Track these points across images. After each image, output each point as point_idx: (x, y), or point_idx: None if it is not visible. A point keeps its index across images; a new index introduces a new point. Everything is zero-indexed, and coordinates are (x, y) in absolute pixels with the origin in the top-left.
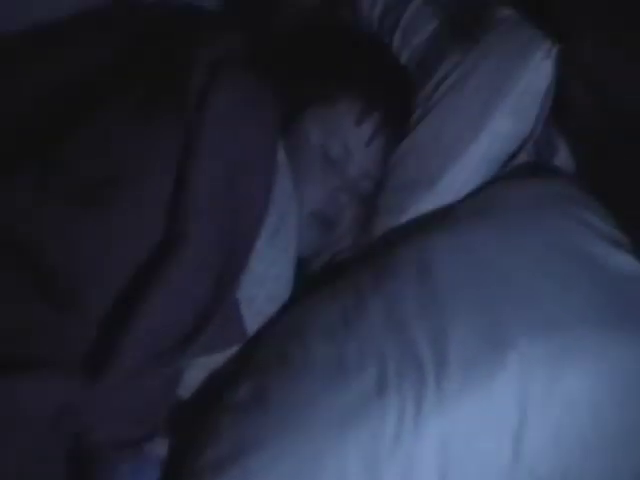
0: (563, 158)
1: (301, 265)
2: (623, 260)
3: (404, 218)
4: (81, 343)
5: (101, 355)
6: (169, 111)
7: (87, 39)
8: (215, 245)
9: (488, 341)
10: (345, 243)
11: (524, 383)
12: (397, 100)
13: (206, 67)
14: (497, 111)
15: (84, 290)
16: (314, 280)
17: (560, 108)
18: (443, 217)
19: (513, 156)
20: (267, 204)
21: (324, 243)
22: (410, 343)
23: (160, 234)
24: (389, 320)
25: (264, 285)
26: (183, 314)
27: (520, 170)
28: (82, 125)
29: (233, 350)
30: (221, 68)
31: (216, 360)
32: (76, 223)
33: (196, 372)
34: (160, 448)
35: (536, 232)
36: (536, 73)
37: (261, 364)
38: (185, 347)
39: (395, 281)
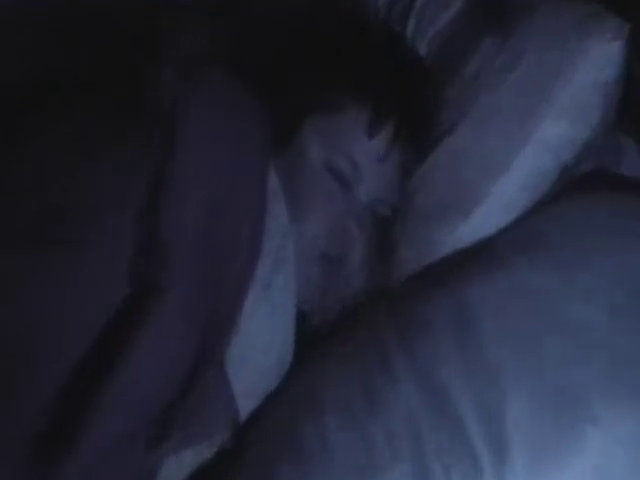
0: (633, 165)
1: (302, 318)
2: None
3: (432, 255)
4: (33, 425)
5: (57, 441)
6: (132, 130)
7: (24, 38)
8: (196, 298)
9: (557, 415)
10: (356, 288)
11: (605, 468)
12: (416, 105)
13: (173, 73)
14: (548, 113)
15: (33, 361)
16: (320, 339)
17: (627, 103)
18: (484, 252)
19: (570, 167)
20: (258, 242)
21: (330, 289)
22: (455, 421)
23: (127, 285)
24: (424, 391)
25: (257, 350)
26: (157, 387)
27: (579, 184)
28: (19, 149)
29: (223, 438)
30: (192, 73)
31: (201, 452)
32: (19, 275)
33: (176, 470)
34: None
35: (609, 271)
36: (600, 60)
37: (263, 456)
38: (159, 435)
39: (428, 339)
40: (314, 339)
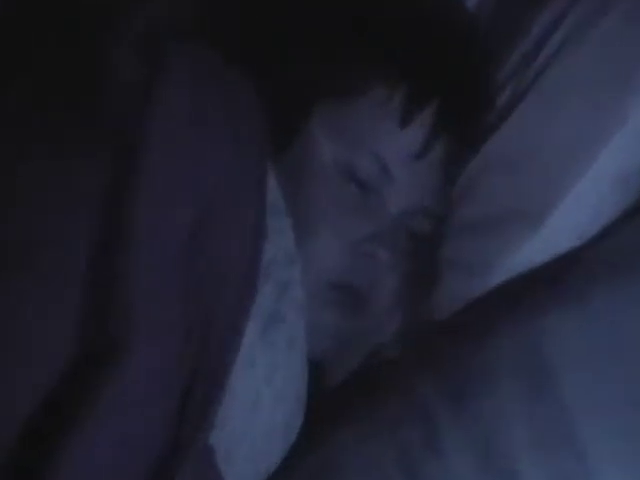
0: None
1: (315, 374)
2: None
3: (488, 284)
4: (23, 428)
5: (50, 445)
6: (81, 131)
7: None
8: (170, 358)
9: None
10: (387, 331)
11: None
12: (465, 82)
13: (134, 48)
14: None
15: (22, 362)
16: (340, 399)
17: None
18: (562, 276)
19: None
20: (255, 275)
21: (351, 333)
22: None
23: (77, 347)
24: (484, 470)
25: (253, 421)
26: (157, 389)
27: None
28: None
29: None
30: (160, 47)
31: None
32: None
33: None
34: None
35: None
36: None
37: None
38: None
39: (486, 398)
40: (331, 399)
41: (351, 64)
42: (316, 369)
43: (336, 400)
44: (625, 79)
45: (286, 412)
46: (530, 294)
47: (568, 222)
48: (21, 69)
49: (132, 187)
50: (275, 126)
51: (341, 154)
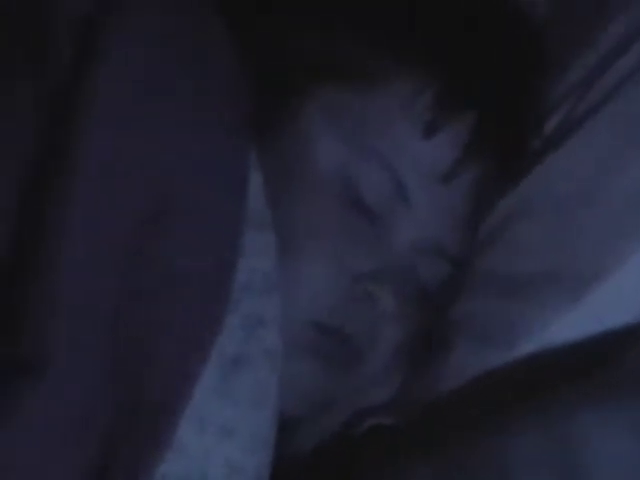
0: None
1: (286, 436)
2: None
3: (513, 355)
4: None
5: None
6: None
7: None
8: (99, 392)
9: None
10: (380, 394)
11: None
12: (513, 94)
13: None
14: None
15: None
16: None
17: None
18: (608, 363)
19: None
20: (222, 299)
21: (335, 394)
22: None
23: None
24: None
25: None
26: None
27: None
28: None
29: None
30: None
31: None
32: None
33: None
34: None
35: None
36: None
37: None
38: None
39: None
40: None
41: (373, 42)
42: (287, 428)
43: (306, 469)
44: None
45: None
46: (564, 378)
47: (623, 294)
48: None
49: (64, 169)
50: (259, 113)
51: (345, 161)
